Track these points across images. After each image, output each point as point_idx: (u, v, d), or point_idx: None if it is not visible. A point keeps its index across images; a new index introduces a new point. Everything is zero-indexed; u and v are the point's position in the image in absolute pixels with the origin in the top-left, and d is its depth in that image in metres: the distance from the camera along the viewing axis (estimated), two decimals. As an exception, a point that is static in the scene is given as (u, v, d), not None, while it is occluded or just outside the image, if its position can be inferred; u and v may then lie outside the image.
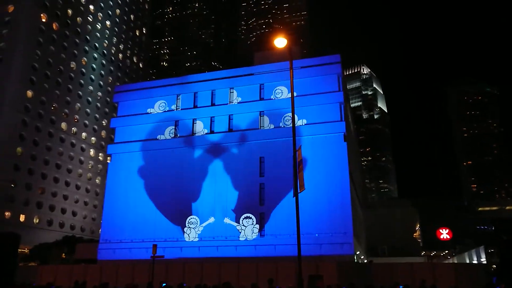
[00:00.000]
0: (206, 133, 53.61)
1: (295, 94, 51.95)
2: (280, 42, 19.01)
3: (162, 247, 50.26)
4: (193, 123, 54.88)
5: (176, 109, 56.09)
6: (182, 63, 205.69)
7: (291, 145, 50.82)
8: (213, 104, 54.82)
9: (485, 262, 45.26)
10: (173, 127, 55.21)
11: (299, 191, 16.00)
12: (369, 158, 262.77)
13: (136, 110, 57.39)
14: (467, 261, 51.27)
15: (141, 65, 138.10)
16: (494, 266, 47.20)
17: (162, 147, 54.17)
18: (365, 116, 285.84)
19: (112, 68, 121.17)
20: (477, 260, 48.82)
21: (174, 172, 52.87)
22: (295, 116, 50.82)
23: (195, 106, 55.47)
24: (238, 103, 53.76)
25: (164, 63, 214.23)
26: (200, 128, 54.24)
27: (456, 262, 60.04)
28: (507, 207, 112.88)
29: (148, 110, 56.65)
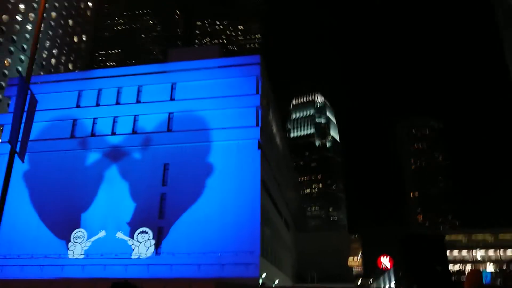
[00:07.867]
0: (106, 135, 46.97)
1: (209, 95, 46.99)
2: None
3: (40, 264, 42.54)
4: (93, 123, 48.20)
5: (76, 106, 49.29)
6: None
7: (201, 151, 45.20)
8: (118, 103, 48.51)
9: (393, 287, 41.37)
10: (70, 126, 48.23)
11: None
12: (320, 186, 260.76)
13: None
14: (382, 285, 47.23)
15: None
16: None
17: (53, 148, 46.87)
18: (317, 143, 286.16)
19: (42, 74, 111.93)
20: (388, 284, 44.85)
21: (64, 178, 45.55)
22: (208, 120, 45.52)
23: (97, 104, 48.93)
24: (146, 102, 47.79)
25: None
26: (100, 128, 47.59)
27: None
28: (446, 236, 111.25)
29: (42, 107, 49.30)
